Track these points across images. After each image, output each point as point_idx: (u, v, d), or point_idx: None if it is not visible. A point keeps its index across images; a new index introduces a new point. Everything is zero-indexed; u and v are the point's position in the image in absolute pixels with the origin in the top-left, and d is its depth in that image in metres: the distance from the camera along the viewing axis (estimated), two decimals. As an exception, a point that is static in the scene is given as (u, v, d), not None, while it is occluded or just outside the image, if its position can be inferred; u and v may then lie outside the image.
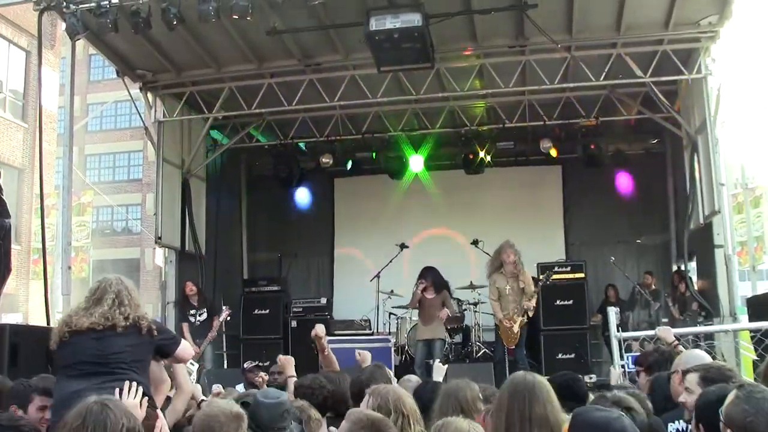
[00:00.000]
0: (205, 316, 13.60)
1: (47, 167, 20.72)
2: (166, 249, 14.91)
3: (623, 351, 8.05)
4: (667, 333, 7.00)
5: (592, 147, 15.82)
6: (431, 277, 13.21)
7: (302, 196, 17.97)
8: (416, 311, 13.71)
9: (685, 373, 4.64)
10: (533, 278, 12.96)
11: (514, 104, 15.36)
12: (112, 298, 4.97)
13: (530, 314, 12.42)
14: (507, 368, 11.94)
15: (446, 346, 13.60)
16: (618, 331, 8.22)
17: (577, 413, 3.48)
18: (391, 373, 6.42)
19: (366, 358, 7.23)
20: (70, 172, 12.59)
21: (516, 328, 12.28)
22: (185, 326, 13.45)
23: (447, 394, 4.87)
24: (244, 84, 14.17)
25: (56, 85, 26.14)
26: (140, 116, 15.17)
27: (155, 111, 14.52)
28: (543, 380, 4.05)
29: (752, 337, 8.49)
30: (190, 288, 13.93)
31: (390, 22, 10.94)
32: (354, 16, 11.56)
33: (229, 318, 13.26)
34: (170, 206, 14.73)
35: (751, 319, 10.32)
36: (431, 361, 11.58)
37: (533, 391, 3.89)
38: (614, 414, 3.47)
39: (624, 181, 16.69)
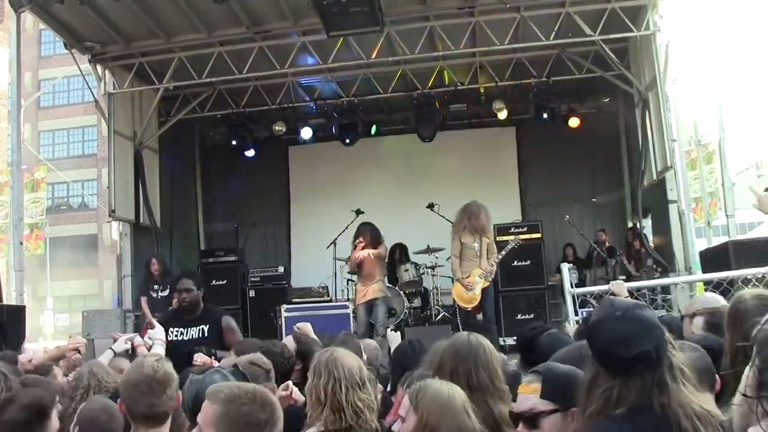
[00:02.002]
0: (167, 292, 13.49)
1: (-2, 144, 20.43)
2: (121, 222, 14.78)
3: (578, 307, 8.10)
4: (620, 288, 6.99)
5: (544, 107, 15.82)
6: (369, 233, 12.36)
7: (257, 165, 17.86)
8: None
9: (692, 317, 4.55)
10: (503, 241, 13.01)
11: (465, 66, 15.35)
12: None
13: (492, 272, 11.79)
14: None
15: (405, 309, 13.60)
16: (572, 287, 8.28)
17: (543, 374, 3.12)
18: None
19: (306, 329, 7.15)
20: (18, 147, 12.45)
21: (477, 289, 11.58)
22: (144, 300, 13.35)
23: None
24: (194, 53, 14.02)
25: (5, 60, 25.67)
26: (90, 90, 14.95)
27: (105, 83, 14.36)
28: (486, 343, 3.95)
29: (705, 290, 8.58)
30: (155, 266, 13.83)
31: (338, -13, 10.88)
32: (301, -19, 11.48)
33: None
34: (123, 179, 14.57)
35: (704, 272, 10.45)
36: (377, 325, 11.80)
37: (478, 354, 3.80)
38: (575, 353, 3.45)
39: (577, 140, 16.78)
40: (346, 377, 3.84)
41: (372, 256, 12.15)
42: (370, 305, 12.17)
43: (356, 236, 12.48)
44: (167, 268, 14.11)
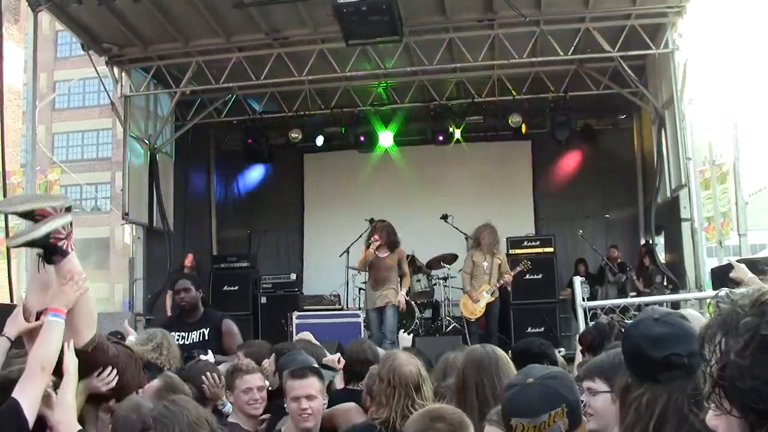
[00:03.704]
0: None
1: (12, 144, 20.48)
2: (134, 226, 14.81)
3: (589, 321, 8.08)
4: (741, 272, 6.34)
5: (561, 122, 15.82)
6: (386, 233, 11.79)
7: (271, 171, 17.90)
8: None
9: None
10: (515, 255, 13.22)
11: (483, 79, 15.39)
12: None
13: (508, 287, 12.89)
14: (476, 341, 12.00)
15: (416, 320, 13.57)
16: (584, 301, 8.27)
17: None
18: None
19: (307, 338, 7.21)
20: (33, 148, 12.41)
21: (482, 303, 12.50)
22: (169, 294, 13.01)
23: (447, 366, 5.04)
24: (211, 58, 14.04)
25: (21, 61, 25.73)
26: (107, 92, 14.99)
27: (121, 86, 14.35)
28: (501, 351, 4.16)
29: (709, 305, 8.56)
30: (190, 260, 13.88)
31: (358, -5, 10.92)
32: (322, -12, 11.50)
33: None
34: (137, 182, 14.57)
35: (714, 290, 10.43)
36: (386, 332, 11.52)
37: (498, 363, 3.98)
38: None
39: (592, 156, 16.79)
40: (403, 385, 4.26)
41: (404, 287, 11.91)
42: (382, 312, 11.75)
43: (371, 234, 11.99)
44: (199, 268, 14.18)
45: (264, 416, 5.32)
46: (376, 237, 11.70)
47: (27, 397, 3.43)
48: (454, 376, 4.25)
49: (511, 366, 4.02)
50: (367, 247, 11.87)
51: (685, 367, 2.55)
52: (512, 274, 12.68)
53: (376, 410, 4.26)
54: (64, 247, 3.92)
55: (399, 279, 11.88)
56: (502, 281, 12.56)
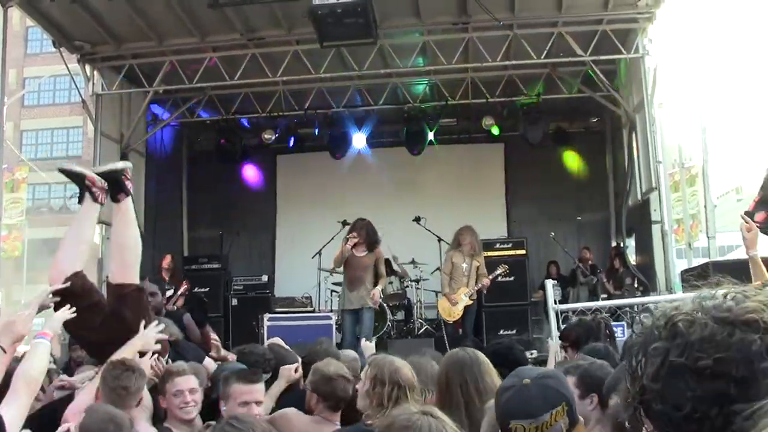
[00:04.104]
0: (170, 292, 13.42)
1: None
2: (103, 226, 14.67)
3: (561, 323, 8.13)
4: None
5: (534, 125, 15.90)
6: (365, 231, 11.37)
7: (244, 172, 17.87)
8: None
9: None
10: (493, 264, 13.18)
11: (456, 82, 15.44)
12: None
13: (484, 291, 12.69)
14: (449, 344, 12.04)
15: (388, 322, 13.53)
16: (556, 303, 8.31)
17: None
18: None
19: (277, 341, 7.20)
20: (0, 145, 12.32)
21: (460, 306, 12.36)
22: None
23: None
24: (185, 58, 14.00)
25: (-11, 57, 25.47)
26: (78, 90, 14.88)
27: (93, 84, 14.26)
28: (479, 352, 4.26)
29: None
30: (168, 262, 13.86)
31: (333, -3, 10.91)
32: (297, -10, 11.49)
33: (187, 293, 13.09)
34: (108, 182, 14.44)
35: (685, 292, 10.54)
36: (361, 336, 10.85)
37: (480, 364, 4.07)
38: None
39: (564, 159, 16.91)
40: (408, 385, 4.24)
41: (380, 287, 11.56)
42: (357, 313, 11.42)
43: (350, 230, 11.61)
44: (177, 269, 14.13)
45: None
46: (354, 234, 11.38)
47: (11, 412, 3.48)
48: (437, 378, 4.30)
49: (491, 367, 4.09)
50: (345, 243, 11.50)
51: None
52: (490, 278, 12.57)
53: (372, 414, 4.20)
54: (129, 187, 5.09)
55: (375, 280, 11.51)
56: (480, 285, 12.45)
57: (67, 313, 4.47)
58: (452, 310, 12.44)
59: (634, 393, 1.44)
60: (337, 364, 5.15)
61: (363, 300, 11.29)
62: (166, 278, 13.74)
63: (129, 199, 5.32)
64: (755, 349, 1.30)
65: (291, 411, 5.02)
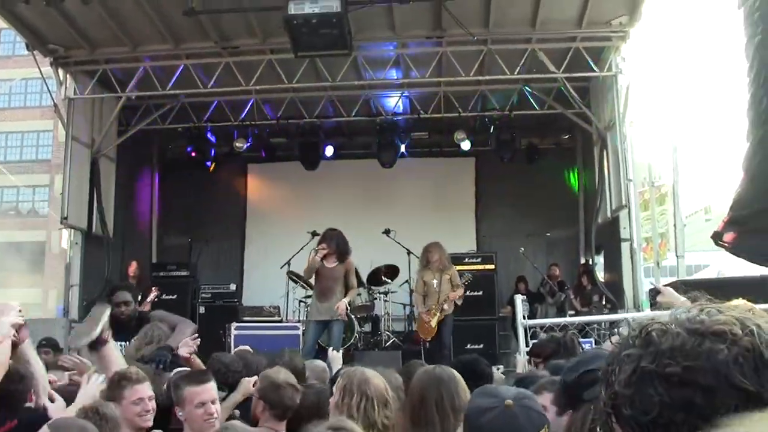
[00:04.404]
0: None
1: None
2: (72, 230, 14.58)
3: (529, 339, 8.15)
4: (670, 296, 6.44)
5: (505, 141, 15.97)
6: (335, 242, 10.96)
7: (215, 180, 17.78)
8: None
9: None
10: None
11: (429, 95, 15.49)
12: None
13: (458, 303, 12.57)
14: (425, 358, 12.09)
15: (356, 334, 13.45)
16: (524, 319, 8.33)
17: None
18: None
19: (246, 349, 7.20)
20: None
21: (434, 322, 12.34)
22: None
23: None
24: (159, 64, 13.95)
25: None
26: (50, 94, 14.78)
27: (66, 88, 14.17)
28: (454, 370, 4.16)
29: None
30: (134, 269, 13.73)
31: (309, 7, 10.86)
32: (273, -1, 11.47)
33: (156, 299, 13.01)
34: (78, 186, 14.36)
35: (653, 309, 10.61)
36: (328, 348, 10.84)
37: (456, 382, 3.99)
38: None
39: (535, 175, 16.97)
40: (377, 396, 4.14)
41: (347, 303, 11.05)
42: (325, 324, 11.01)
43: (320, 241, 11.17)
44: (145, 276, 14.04)
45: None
46: (324, 245, 10.93)
47: None
48: (410, 393, 4.18)
49: (465, 384, 4.07)
50: (315, 254, 11.10)
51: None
52: (459, 294, 12.43)
53: None
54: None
55: (345, 291, 11.10)
56: (444, 300, 12.31)
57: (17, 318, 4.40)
58: (427, 328, 12.49)
59: (606, 399, 1.46)
60: (287, 372, 5.09)
61: (333, 312, 10.88)
62: (133, 285, 13.64)
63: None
64: (722, 358, 1.32)
65: (237, 423, 4.97)
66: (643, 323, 1.44)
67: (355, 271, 11.49)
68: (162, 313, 8.02)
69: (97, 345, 5.29)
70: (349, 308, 12.18)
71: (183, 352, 6.24)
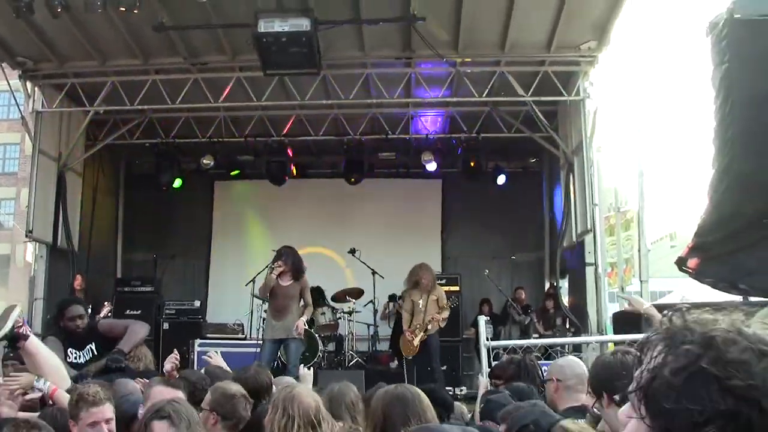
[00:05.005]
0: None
1: None
2: (37, 244, 14.46)
3: (492, 360, 8.16)
4: (638, 303, 6.67)
5: (472, 163, 16.02)
6: (291, 259, 10.96)
7: (181, 197, 17.68)
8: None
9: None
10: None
11: (397, 116, 15.53)
12: None
13: (441, 325, 12.66)
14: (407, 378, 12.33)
15: (319, 353, 13.39)
16: (487, 340, 8.35)
17: None
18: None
19: (217, 359, 7.17)
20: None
21: (416, 341, 12.59)
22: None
23: (332, 399, 4.86)
24: (127, 79, 13.85)
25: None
26: (18, 106, 14.68)
27: (34, 101, 14.07)
28: (418, 389, 4.18)
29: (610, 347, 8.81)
30: (79, 282, 13.61)
31: (278, 26, 10.92)
32: (243, 17, 11.43)
33: (109, 314, 12.94)
34: (44, 200, 14.28)
35: (616, 334, 10.69)
36: (289, 366, 10.64)
37: (422, 401, 4.00)
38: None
39: (501, 197, 17.03)
40: (300, 415, 4.03)
41: (304, 320, 10.98)
42: (281, 343, 10.99)
43: (276, 259, 11.14)
44: (88, 289, 13.94)
45: None
46: (280, 263, 10.92)
47: None
48: (372, 413, 4.13)
49: (428, 401, 4.07)
50: (270, 272, 11.16)
51: None
52: (444, 316, 12.62)
53: None
54: (25, 332, 5.17)
55: (301, 310, 11.08)
56: (429, 321, 12.54)
57: None
58: (408, 346, 12.72)
59: (643, 381, 1.48)
60: (237, 385, 5.04)
61: (289, 330, 10.78)
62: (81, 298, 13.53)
63: (31, 339, 5.28)
64: None
65: None
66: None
67: (309, 287, 11.42)
68: (109, 322, 8.06)
69: (17, 342, 5.20)
70: (312, 328, 12.21)
71: (167, 367, 6.26)
